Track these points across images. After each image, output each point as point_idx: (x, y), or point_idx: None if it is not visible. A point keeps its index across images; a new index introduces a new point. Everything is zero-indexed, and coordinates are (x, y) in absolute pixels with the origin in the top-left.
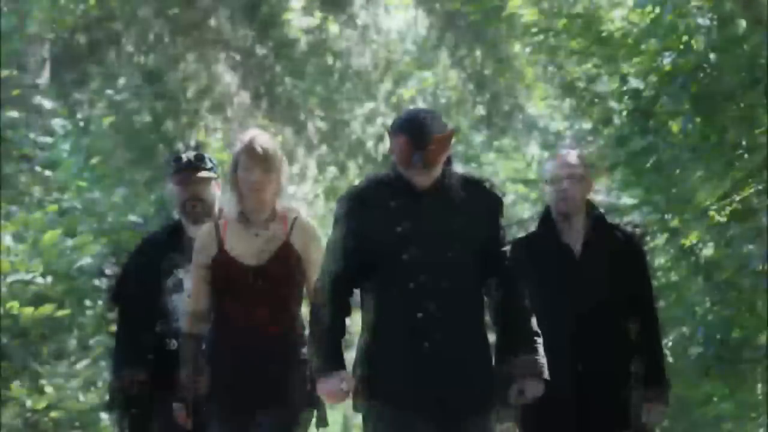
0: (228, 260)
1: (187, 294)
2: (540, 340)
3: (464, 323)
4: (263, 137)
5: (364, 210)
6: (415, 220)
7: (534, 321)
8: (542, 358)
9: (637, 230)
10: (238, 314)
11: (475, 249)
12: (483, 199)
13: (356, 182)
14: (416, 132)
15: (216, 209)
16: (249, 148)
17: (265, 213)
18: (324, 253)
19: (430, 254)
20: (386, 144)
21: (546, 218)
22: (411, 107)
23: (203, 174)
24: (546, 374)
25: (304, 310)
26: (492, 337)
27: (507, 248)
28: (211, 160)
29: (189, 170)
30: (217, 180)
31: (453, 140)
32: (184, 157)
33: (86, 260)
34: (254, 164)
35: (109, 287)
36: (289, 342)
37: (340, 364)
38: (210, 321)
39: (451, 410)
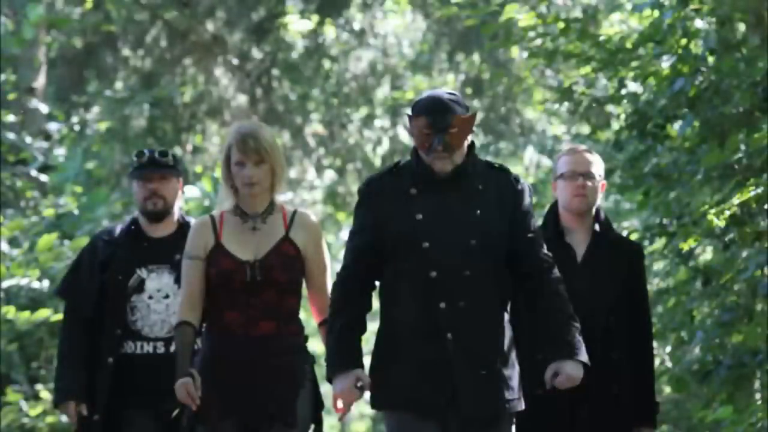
0: (224, 254)
1: (148, 295)
2: (577, 324)
3: (488, 315)
4: (253, 128)
5: (381, 199)
6: (436, 207)
7: (571, 306)
8: (580, 341)
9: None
10: (233, 314)
11: (500, 237)
12: (507, 186)
13: (355, 184)
14: (437, 113)
15: (177, 207)
16: (238, 141)
17: (262, 206)
18: (344, 246)
19: (452, 242)
20: (384, 147)
21: (551, 216)
22: (430, 90)
23: (166, 171)
24: (585, 357)
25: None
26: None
27: (537, 234)
28: (175, 157)
29: (151, 166)
30: (179, 178)
31: (475, 123)
32: (147, 152)
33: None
34: (245, 158)
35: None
36: (288, 345)
37: (356, 362)
38: (202, 313)
39: (469, 414)
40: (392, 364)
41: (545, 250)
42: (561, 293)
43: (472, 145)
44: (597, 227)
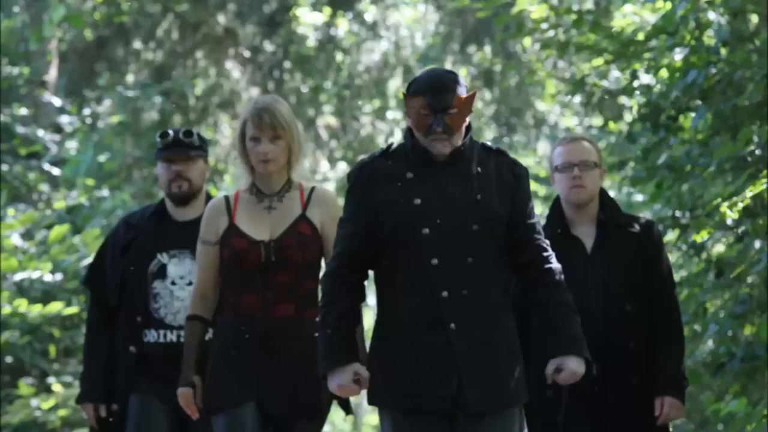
0: (238, 235)
1: (171, 281)
2: (578, 318)
3: (492, 304)
4: (269, 103)
5: (376, 183)
6: (434, 191)
7: (571, 297)
8: (582, 336)
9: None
10: (247, 295)
11: (501, 221)
12: (507, 170)
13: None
14: (436, 93)
15: (203, 190)
16: (253, 116)
17: (278, 184)
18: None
19: (453, 227)
20: (396, 139)
21: (555, 209)
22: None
23: (191, 152)
24: (587, 353)
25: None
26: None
27: (536, 222)
28: (200, 137)
29: (176, 147)
30: (205, 159)
31: (473, 104)
32: (171, 132)
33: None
34: (260, 134)
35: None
36: (309, 330)
37: (353, 356)
38: (216, 304)
39: (476, 406)
40: (392, 358)
41: (544, 239)
42: (561, 284)
43: (468, 126)
44: (603, 216)
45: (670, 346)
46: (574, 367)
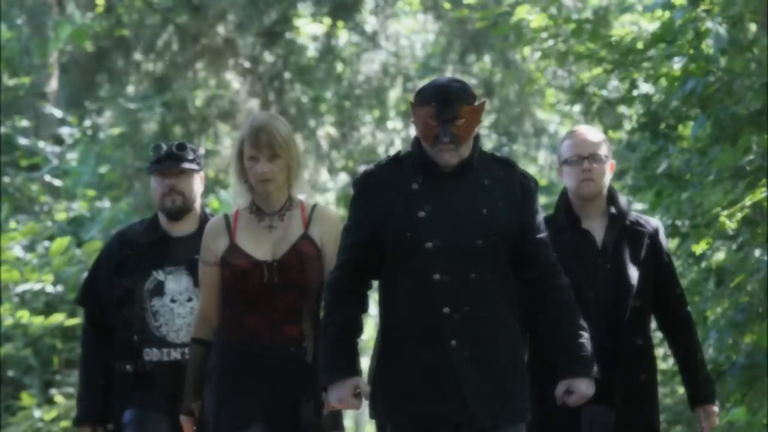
0: (239, 255)
1: (170, 298)
2: (587, 335)
3: (495, 320)
4: (266, 121)
5: (380, 193)
6: (440, 203)
7: (580, 315)
8: (592, 356)
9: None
10: (250, 316)
11: (507, 236)
12: (516, 181)
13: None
14: (444, 103)
15: (197, 204)
16: (251, 135)
17: (279, 203)
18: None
19: (457, 242)
20: (397, 149)
21: (563, 203)
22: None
23: (184, 165)
24: (596, 372)
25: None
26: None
27: (545, 236)
28: (194, 151)
29: (169, 161)
30: (199, 173)
31: (483, 112)
32: (164, 146)
33: None
34: (258, 152)
35: (79, 287)
36: (310, 350)
37: (354, 369)
38: (217, 324)
39: (479, 423)
40: (394, 372)
41: (552, 255)
42: (570, 301)
43: (477, 136)
44: (613, 210)
45: (694, 352)
46: (584, 389)
